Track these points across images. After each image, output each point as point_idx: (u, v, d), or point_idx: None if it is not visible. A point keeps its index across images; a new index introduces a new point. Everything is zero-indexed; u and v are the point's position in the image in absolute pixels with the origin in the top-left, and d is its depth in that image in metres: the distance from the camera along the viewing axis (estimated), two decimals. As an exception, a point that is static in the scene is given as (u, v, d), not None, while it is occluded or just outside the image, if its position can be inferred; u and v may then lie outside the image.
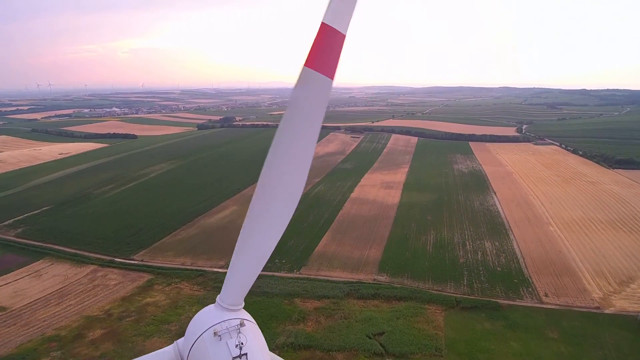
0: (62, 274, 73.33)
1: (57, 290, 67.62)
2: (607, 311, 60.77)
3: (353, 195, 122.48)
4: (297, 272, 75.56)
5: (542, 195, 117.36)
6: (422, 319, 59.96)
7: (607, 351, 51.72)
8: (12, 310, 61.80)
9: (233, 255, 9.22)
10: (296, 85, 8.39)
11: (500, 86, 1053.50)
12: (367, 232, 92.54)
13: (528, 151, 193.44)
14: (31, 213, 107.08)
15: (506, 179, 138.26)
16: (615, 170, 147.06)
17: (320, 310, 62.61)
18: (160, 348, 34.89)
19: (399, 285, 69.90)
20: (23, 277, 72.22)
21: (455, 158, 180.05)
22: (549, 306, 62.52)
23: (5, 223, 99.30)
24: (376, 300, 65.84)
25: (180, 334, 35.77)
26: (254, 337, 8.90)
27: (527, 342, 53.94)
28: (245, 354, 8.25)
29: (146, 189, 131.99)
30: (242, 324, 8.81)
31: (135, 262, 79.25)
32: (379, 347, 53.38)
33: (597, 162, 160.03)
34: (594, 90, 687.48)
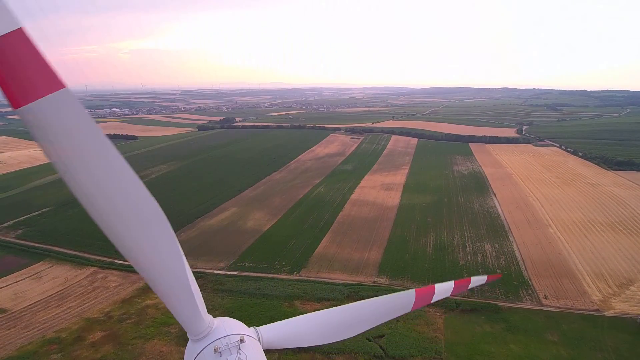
0: (63, 275, 73.35)
1: (57, 292, 67.63)
2: (606, 314, 60.71)
3: (353, 196, 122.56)
4: (297, 274, 75.58)
5: (542, 196, 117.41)
6: (422, 322, 59.98)
7: (607, 354, 51.67)
8: (13, 313, 61.77)
9: (301, 317, 10.56)
10: (397, 294, 11.26)
11: (501, 87, 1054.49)
12: (367, 234, 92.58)
13: (528, 152, 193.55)
14: (31, 214, 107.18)
15: (506, 181, 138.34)
16: (615, 171, 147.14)
17: (320, 313, 62.59)
18: (161, 351, 35.26)
19: (399, 287, 69.88)
20: (23, 279, 72.24)
21: (455, 159, 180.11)
22: (549, 308, 62.50)
23: (5, 224, 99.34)
24: (376, 303, 65.90)
25: (180, 336, 35.92)
26: (254, 353, 8.94)
27: (526, 345, 53.94)
28: None
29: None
30: (242, 340, 8.87)
31: (135, 264, 79.34)
32: (379, 350, 53.42)
33: (597, 164, 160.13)
34: (594, 91, 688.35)
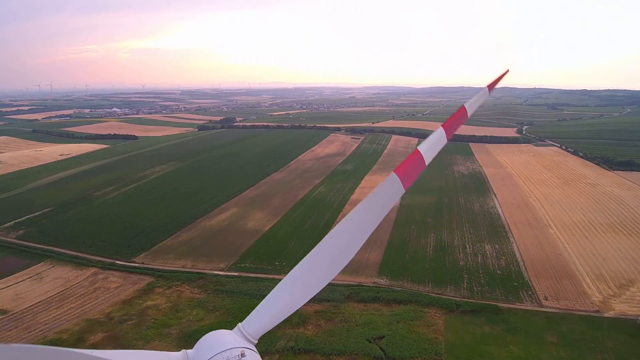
0: (63, 276, 73.47)
1: (58, 293, 67.73)
2: (606, 315, 60.72)
3: (353, 197, 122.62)
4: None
5: (542, 197, 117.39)
6: (422, 323, 60.02)
7: (607, 355, 51.71)
8: (14, 314, 61.84)
9: (273, 291, 9.82)
10: (381, 184, 10.19)
11: (501, 86, 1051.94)
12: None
13: (528, 152, 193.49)
14: (32, 215, 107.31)
15: (506, 181, 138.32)
16: (615, 172, 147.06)
17: (320, 314, 62.69)
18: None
19: (399, 289, 70.01)
20: (24, 280, 72.35)
21: (456, 159, 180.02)
22: (549, 310, 62.52)
23: (6, 225, 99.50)
24: (376, 304, 65.96)
25: (181, 337, 35.97)
26: None
27: (526, 346, 53.99)
28: None
29: (147, 191, 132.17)
30: (242, 355, 8.87)
31: (136, 264, 79.45)
32: (379, 351, 53.44)
33: (598, 164, 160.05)
34: (594, 91, 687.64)
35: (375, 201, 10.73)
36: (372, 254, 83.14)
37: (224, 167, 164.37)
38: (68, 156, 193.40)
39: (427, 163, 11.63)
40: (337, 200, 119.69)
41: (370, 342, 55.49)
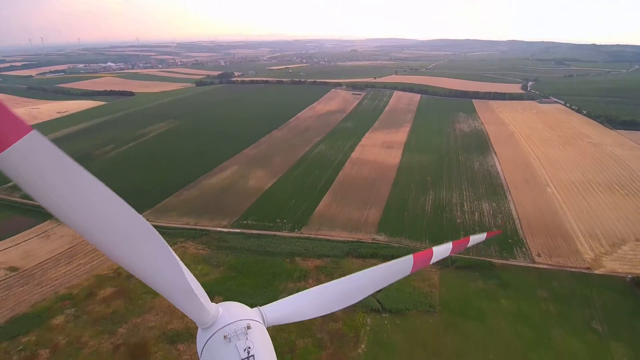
0: (70, 234, 75.14)
1: (66, 250, 69.74)
2: (597, 272, 62.78)
3: (353, 155, 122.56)
4: (298, 232, 77.49)
5: (542, 156, 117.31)
6: (418, 278, 62.17)
7: (595, 310, 54.15)
8: (24, 271, 63.98)
9: (301, 294, 10.85)
10: (398, 260, 11.62)
11: (508, 40, 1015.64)
12: (367, 193, 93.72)
13: (532, 110, 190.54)
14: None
15: (508, 140, 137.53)
16: (618, 131, 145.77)
17: (320, 269, 64.98)
18: (168, 305, 36.94)
19: (396, 245, 71.98)
20: (32, 238, 74.20)
21: (458, 117, 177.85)
22: (541, 266, 64.68)
23: (9, 184, 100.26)
24: (374, 259, 68.04)
25: None
26: (260, 339, 9.53)
27: (517, 301, 56.44)
28: (253, 356, 8.95)
29: (146, 150, 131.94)
30: (249, 327, 9.41)
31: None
32: (376, 304, 55.99)
33: (601, 123, 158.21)
34: (603, 46, 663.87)
35: (387, 270, 12.84)
36: (372, 211, 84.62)
37: (223, 125, 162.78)
38: (65, 114, 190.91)
39: (430, 262, 14.45)
40: (338, 158, 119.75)
41: (368, 296, 57.86)
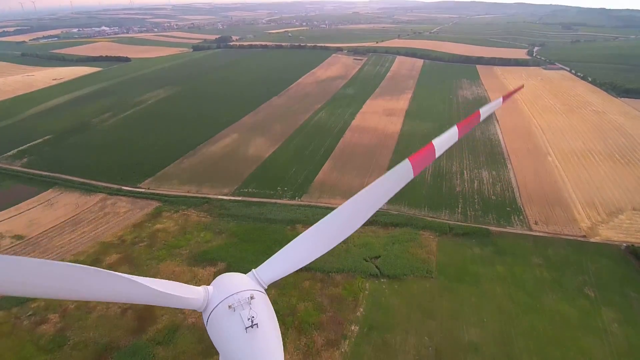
0: (73, 202, 76.08)
1: (69, 218, 70.72)
2: (592, 240, 63.85)
3: (354, 122, 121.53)
4: (299, 200, 78.26)
5: (545, 124, 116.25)
6: (416, 244, 63.55)
7: (587, 277, 55.56)
8: (29, 239, 65.05)
9: (288, 245, 11.07)
10: (394, 168, 11.06)
11: (515, 2, 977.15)
12: (367, 161, 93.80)
13: (537, 77, 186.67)
14: (33, 143, 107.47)
15: (510, 107, 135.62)
16: (622, 99, 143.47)
17: (320, 236, 66.09)
18: (174, 270, 38.23)
19: (396, 212, 72.86)
20: (35, 207, 74.97)
21: (461, 83, 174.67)
22: (538, 234, 65.78)
23: (9, 153, 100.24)
24: (374, 227, 69.19)
25: (191, 257, 39.09)
26: (263, 307, 10.10)
27: (512, 267, 57.84)
28: (256, 324, 9.45)
29: (145, 117, 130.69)
30: (252, 297, 9.89)
31: (142, 190, 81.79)
32: (374, 269, 57.48)
33: (606, 90, 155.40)
34: (613, 10, 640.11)
35: (386, 182, 12.85)
36: (371, 179, 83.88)
37: (221, 92, 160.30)
38: (61, 81, 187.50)
39: (437, 156, 13.85)
40: (338, 126, 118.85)
41: (367, 261, 59.41)
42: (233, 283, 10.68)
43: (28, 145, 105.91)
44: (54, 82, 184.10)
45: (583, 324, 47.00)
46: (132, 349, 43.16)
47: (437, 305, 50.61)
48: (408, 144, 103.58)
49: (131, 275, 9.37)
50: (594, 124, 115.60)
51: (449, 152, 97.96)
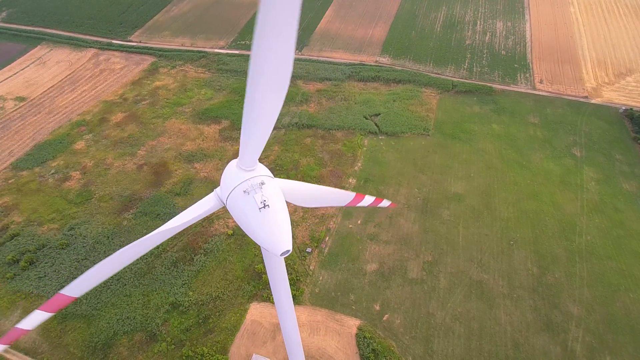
0: (65, 59, 73.11)
1: (66, 77, 69.15)
2: (593, 101, 63.64)
3: None
4: (299, 53, 75.03)
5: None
6: (416, 102, 63.98)
7: (578, 137, 57.59)
8: (32, 100, 65.03)
9: (242, 124, 10.73)
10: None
11: None
12: (374, 7, 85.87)
13: None
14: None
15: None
16: None
17: (322, 93, 66.13)
18: (180, 128, 40.79)
19: (399, 68, 70.84)
20: (28, 66, 72.41)
21: None
22: (540, 93, 65.25)
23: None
24: (376, 83, 68.39)
25: (195, 115, 41.60)
26: (273, 190, 12.10)
27: (508, 125, 59.54)
28: (268, 205, 11.35)
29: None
30: (262, 183, 11.68)
31: (134, 43, 77.57)
32: (373, 127, 59.55)
33: None
34: None
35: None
36: (377, 30, 79.60)
37: None
38: None
39: (357, 205, 18.59)
40: None
41: (366, 119, 60.94)
42: (238, 175, 12.55)
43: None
44: None
45: (563, 180, 51.25)
46: (153, 199, 48.53)
47: (430, 161, 54.31)
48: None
49: (167, 225, 12.71)
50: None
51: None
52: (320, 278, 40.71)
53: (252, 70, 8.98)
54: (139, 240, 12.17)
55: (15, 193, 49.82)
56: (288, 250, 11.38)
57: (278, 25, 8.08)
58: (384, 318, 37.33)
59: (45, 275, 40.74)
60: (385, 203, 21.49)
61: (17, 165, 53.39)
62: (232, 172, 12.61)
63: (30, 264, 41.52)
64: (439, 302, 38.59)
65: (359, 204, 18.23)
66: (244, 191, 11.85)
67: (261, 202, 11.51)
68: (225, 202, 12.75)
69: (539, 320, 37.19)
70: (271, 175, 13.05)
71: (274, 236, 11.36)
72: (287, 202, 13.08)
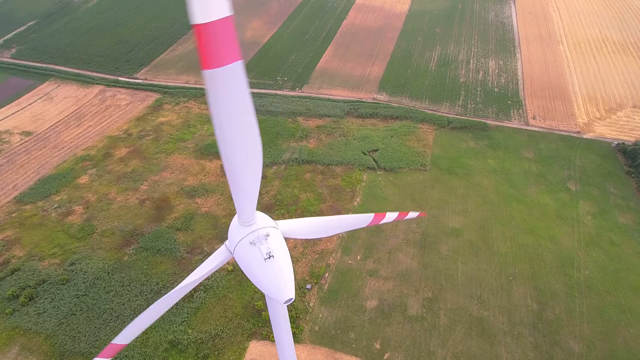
0: (72, 95, 75.35)
1: (72, 112, 71.06)
2: (585, 136, 65.44)
3: (358, 1, 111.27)
4: (299, 91, 77.55)
5: (563, 7, 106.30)
6: (413, 138, 65.66)
7: (573, 172, 58.88)
8: (38, 134, 66.51)
9: (230, 189, 11.91)
10: (210, 90, 8.21)
11: None
12: (371, 47, 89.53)
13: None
14: (18, 30, 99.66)
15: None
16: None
17: (321, 129, 67.88)
18: (182, 163, 42.03)
19: (396, 105, 73.12)
20: (35, 101, 74.50)
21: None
22: (533, 128, 67.16)
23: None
24: (374, 119, 70.37)
25: (197, 150, 43.37)
26: (277, 242, 12.96)
27: (503, 160, 60.93)
28: (273, 256, 12.21)
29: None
30: (268, 235, 12.62)
31: (140, 80, 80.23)
32: (372, 162, 60.85)
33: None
34: None
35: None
36: (374, 68, 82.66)
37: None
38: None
39: (381, 222, 19.35)
40: (341, 5, 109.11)
41: (365, 154, 62.35)
42: (260, 222, 13.61)
43: (13, 33, 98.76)
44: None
45: (559, 214, 52.03)
46: (155, 234, 48.94)
47: (428, 196, 55.23)
48: (416, 26, 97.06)
49: (186, 282, 13.92)
50: (616, 10, 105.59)
51: (458, 37, 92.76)
52: (320, 315, 40.53)
53: (223, 153, 9.86)
54: (173, 290, 13.90)
55: (17, 227, 50.21)
56: (291, 299, 12.18)
57: (230, 110, 8.77)
58: (385, 357, 36.93)
59: (44, 312, 40.56)
60: (413, 214, 21.95)
61: (20, 199, 54.03)
62: (235, 227, 13.61)
63: (29, 300, 41.44)
64: (439, 340, 38.30)
65: (382, 221, 19.08)
66: (250, 242, 12.87)
67: (266, 253, 12.42)
68: (233, 253, 13.74)
69: (541, 358, 36.86)
70: (274, 224, 13.88)
71: (279, 285, 12.23)
72: (300, 237, 14.52)
